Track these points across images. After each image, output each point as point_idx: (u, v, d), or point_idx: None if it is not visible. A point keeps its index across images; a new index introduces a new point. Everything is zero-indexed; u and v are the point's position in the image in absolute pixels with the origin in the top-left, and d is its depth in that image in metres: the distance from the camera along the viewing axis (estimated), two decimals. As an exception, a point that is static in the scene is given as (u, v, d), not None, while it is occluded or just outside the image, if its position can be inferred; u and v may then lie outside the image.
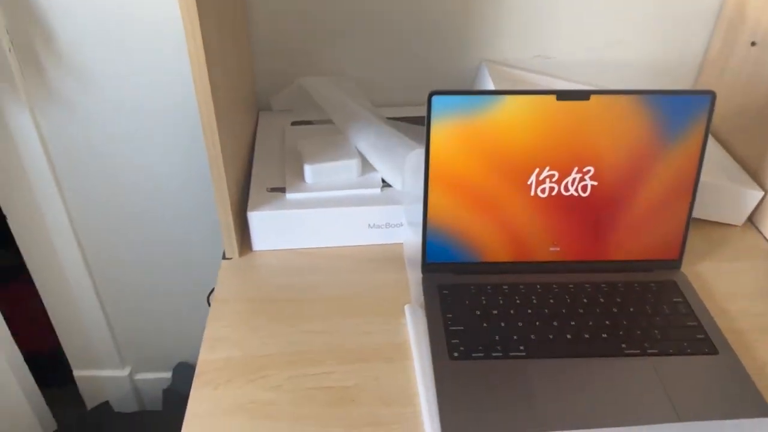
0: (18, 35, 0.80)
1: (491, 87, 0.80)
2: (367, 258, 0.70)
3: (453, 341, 0.58)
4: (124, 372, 1.18)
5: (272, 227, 0.69)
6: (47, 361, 1.14)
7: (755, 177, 0.75)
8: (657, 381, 0.55)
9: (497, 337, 0.59)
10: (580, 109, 0.60)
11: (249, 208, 0.68)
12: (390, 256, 0.70)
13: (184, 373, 1.17)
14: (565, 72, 0.87)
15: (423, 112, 0.86)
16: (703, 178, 0.66)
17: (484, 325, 0.60)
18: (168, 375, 1.19)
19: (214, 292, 0.66)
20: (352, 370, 0.57)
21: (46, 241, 0.99)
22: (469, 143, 0.61)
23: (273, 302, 0.64)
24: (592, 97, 0.60)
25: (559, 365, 0.56)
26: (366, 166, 0.73)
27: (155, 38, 0.82)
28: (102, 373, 1.18)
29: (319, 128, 0.82)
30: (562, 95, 0.60)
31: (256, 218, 0.68)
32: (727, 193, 0.73)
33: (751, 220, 0.76)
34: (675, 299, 0.63)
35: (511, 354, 0.57)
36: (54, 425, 1.09)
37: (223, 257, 0.70)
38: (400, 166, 0.70)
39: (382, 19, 0.83)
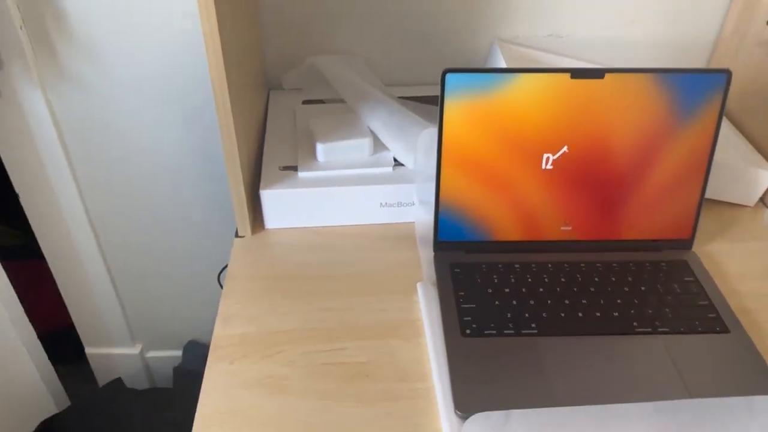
0: (29, 12, 0.80)
1: (503, 65, 0.79)
2: (380, 236, 0.70)
3: (465, 318, 0.59)
4: (135, 350, 1.20)
5: (284, 205, 0.69)
6: (60, 339, 1.15)
7: (765, 153, 0.74)
8: (668, 359, 0.55)
9: (509, 315, 0.59)
10: (594, 87, 0.60)
11: (261, 186, 0.68)
12: (402, 234, 0.70)
13: (195, 352, 1.19)
14: (578, 51, 0.87)
15: (434, 92, 0.86)
16: (715, 158, 0.66)
17: (496, 303, 0.61)
18: (178, 353, 1.21)
19: (227, 270, 0.66)
20: (366, 347, 0.58)
21: (58, 220, 1.00)
22: (482, 121, 0.61)
23: (286, 280, 0.65)
24: (607, 75, 0.60)
25: (570, 343, 0.57)
26: (378, 144, 0.73)
27: (166, 15, 0.82)
28: (114, 351, 1.19)
29: (331, 107, 0.82)
30: (577, 73, 0.60)
31: (268, 196, 0.68)
32: (739, 173, 0.73)
33: (763, 200, 0.76)
34: (686, 278, 0.64)
35: (523, 331, 0.58)
36: (67, 401, 1.11)
37: (236, 235, 0.70)
38: (412, 145, 0.70)
39: (393, -3, 0.83)
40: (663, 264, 0.65)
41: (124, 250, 1.07)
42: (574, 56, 0.86)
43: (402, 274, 0.65)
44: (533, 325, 0.58)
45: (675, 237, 0.67)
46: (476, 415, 0.49)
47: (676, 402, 0.50)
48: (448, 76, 0.59)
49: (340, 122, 0.74)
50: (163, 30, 0.83)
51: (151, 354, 1.22)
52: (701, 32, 0.86)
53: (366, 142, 0.72)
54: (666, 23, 0.85)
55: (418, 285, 0.63)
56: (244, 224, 0.69)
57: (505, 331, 0.58)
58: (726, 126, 0.81)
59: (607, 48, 0.87)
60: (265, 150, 0.75)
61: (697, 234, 0.66)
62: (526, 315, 0.59)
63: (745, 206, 0.75)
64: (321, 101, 0.84)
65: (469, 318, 0.59)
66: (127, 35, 0.83)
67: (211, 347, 0.58)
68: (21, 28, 0.80)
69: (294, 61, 0.86)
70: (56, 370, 1.10)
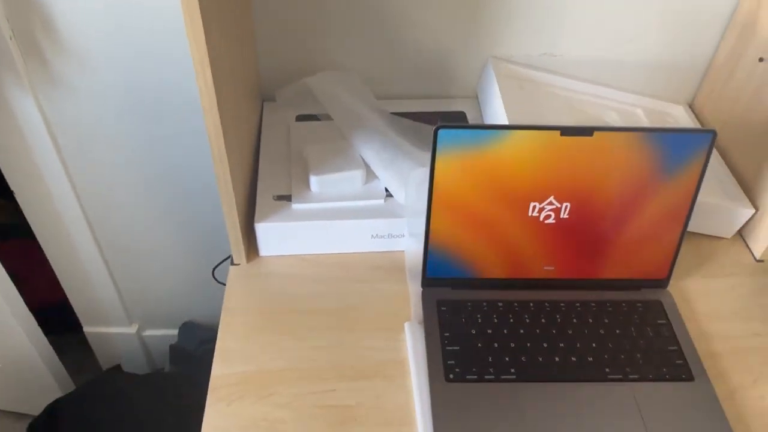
0: (18, 23, 0.79)
1: (495, 85, 0.80)
2: (372, 265, 0.73)
3: (449, 362, 0.62)
4: (132, 329, 1.24)
5: (279, 236, 0.72)
6: (59, 318, 1.19)
7: (748, 192, 0.77)
8: (635, 408, 0.60)
9: (490, 359, 0.63)
10: (583, 144, 0.61)
11: (256, 219, 0.70)
12: (393, 264, 0.73)
13: (190, 331, 1.23)
14: (573, 70, 0.87)
15: (428, 107, 0.87)
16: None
17: (479, 345, 0.64)
18: (175, 332, 1.25)
19: (224, 301, 0.69)
20: (354, 388, 0.62)
21: (52, 212, 1.01)
22: (472, 174, 0.62)
23: (280, 314, 0.68)
24: (596, 133, 0.61)
25: (546, 390, 0.61)
26: (370, 174, 0.75)
27: (156, 21, 0.81)
28: (111, 330, 1.24)
29: (324, 126, 0.82)
30: (566, 131, 0.61)
31: (263, 229, 0.71)
32: (718, 210, 0.75)
33: (741, 233, 0.79)
34: (659, 321, 0.67)
35: (502, 377, 0.62)
36: (70, 382, 1.16)
37: (232, 263, 0.73)
38: (404, 180, 0.71)
39: (389, 11, 0.81)
40: (639, 305, 0.69)
41: (117, 233, 1.07)
42: (570, 75, 0.87)
43: (391, 309, 0.68)
44: (512, 370, 0.62)
45: (652, 277, 0.70)
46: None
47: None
48: (440, 132, 0.60)
49: (333, 151, 0.75)
50: (152, 35, 0.82)
51: (148, 333, 1.27)
52: (695, 56, 0.86)
53: (359, 174, 0.73)
54: (660, 45, 0.85)
55: (406, 325, 0.66)
56: (240, 253, 0.71)
57: (486, 377, 0.62)
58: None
59: (601, 67, 0.87)
60: (260, 175, 0.76)
61: (678, 267, 0.69)
62: (506, 359, 0.63)
63: (723, 238, 0.78)
64: (315, 117, 0.84)
65: (453, 362, 0.62)
66: (116, 41, 0.82)
67: (210, 387, 0.61)
68: (11, 39, 0.79)
69: (289, 71, 0.86)
70: (57, 349, 1.14)
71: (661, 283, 0.70)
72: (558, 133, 0.61)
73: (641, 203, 0.65)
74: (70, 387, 1.19)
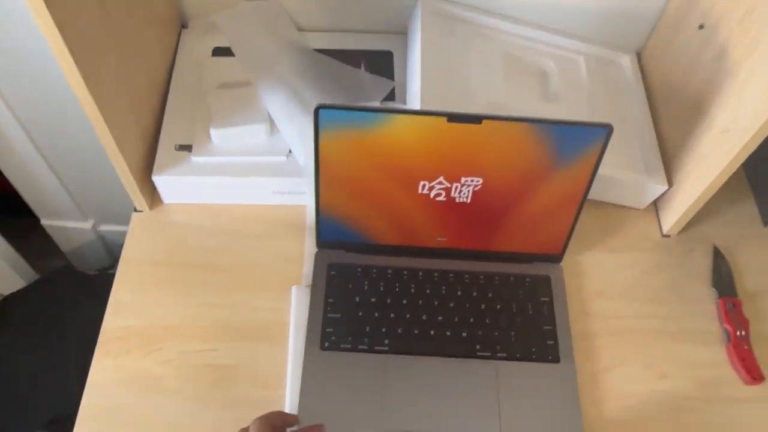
0: None
1: (418, 27, 0.74)
2: (274, 220, 0.73)
3: (327, 330, 0.65)
4: (88, 224, 1.28)
5: (179, 188, 0.72)
6: (15, 211, 1.22)
7: (668, 163, 0.74)
8: (495, 388, 0.63)
9: (368, 329, 0.65)
10: (471, 131, 0.59)
11: (154, 171, 0.70)
12: (297, 218, 0.73)
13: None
14: (515, 12, 0.80)
15: (355, 44, 0.82)
16: (608, 168, 0.69)
17: (360, 314, 0.66)
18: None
19: (123, 250, 0.71)
20: (236, 349, 0.65)
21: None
22: (358, 152, 0.61)
23: (176, 267, 0.70)
24: (485, 121, 0.58)
25: (415, 364, 0.64)
26: (275, 127, 0.73)
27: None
28: (68, 224, 1.27)
29: (237, 66, 0.78)
30: (453, 118, 0.58)
31: (161, 182, 0.70)
32: (630, 184, 0.74)
33: (656, 203, 0.77)
34: (542, 298, 0.68)
35: (375, 348, 0.64)
36: (34, 273, 1.22)
37: (135, 210, 0.74)
38: (304, 137, 0.70)
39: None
40: (527, 279, 0.70)
41: (56, 139, 1.07)
42: (508, 17, 0.80)
43: (286, 269, 0.70)
44: (386, 342, 0.65)
45: (546, 252, 0.70)
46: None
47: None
48: (321, 112, 0.58)
49: (238, 99, 0.73)
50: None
51: (103, 228, 1.30)
52: (644, 9, 0.79)
53: (261, 128, 0.71)
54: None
55: (293, 288, 0.68)
56: (140, 201, 0.72)
57: (360, 347, 0.65)
58: (643, 110, 0.78)
59: (545, 11, 0.80)
60: (165, 118, 0.74)
61: (578, 238, 0.69)
62: (383, 329, 0.66)
63: (636, 209, 0.77)
64: (231, 53, 0.80)
65: (331, 329, 0.65)
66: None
67: (99, 340, 0.65)
68: None
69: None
70: (21, 239, 1.18)
71: (555, 258, 0.71)
72: (445, 119, 0.58)
73: (534, 188, 0.63)
74: (35, 277, 1.25)
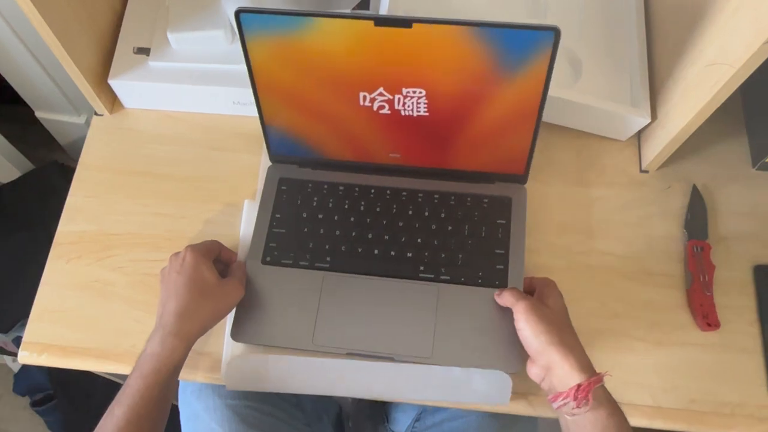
0: None
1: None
2: (233, 132, 0.72)
3: (271, 244, 0.64)
4: (81, 119, 1.27)
5: (138, 93, 0.70)
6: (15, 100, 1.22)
7: (656, 94, 0.69)
8: (433, 310, 0.61)
9: (311, 245, 0.64)
10: (402, 35, 0.54)
11: (110, 75, 0.68)
12: (256, 130, 0.71)
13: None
14: None
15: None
16: (589, 96, 0.65)
17: (305, 230, 0.65)
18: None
19: (82, 154, 0.70)
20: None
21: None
22: (290, 60, 0.57)
23: (132, 175, 0.69)
24: (415, 25, 0.53)
25: (354, 282, 0.63)
26: (236, 34, 0.69)
27: None
28: (62, 118, 1.27)
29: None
30: (381, 21, 0.53)
31: (117, 86, 0.68)
32: (612, 114, 0.69)
33: (639, 136, 0.73)
34: (499, 220, 0.65)
35: (316, 264, 0.63)
36: (30, 166, 1.23)
37: (95, 113, 0.72)
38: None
39: None
40: (485, 200, 0.66)
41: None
42: None
43: (240, 183, 0.69)
44: (328, 259, 0.63)
45: (509, 171, 0.66)
46: (236, 359, 0.60)
47: (415, 366, 0.60)
48: (242, 16, 0.54)
49: (199, 3, 0.68)
50: None
51: (96, 124, 1.30)
52: None
53: (220, 35, 0.68)
54: None
55: (246, 202, 0.67)
56: (98, 105, 0.70)
57: (301, 263, 0.63)
58: (637, 34, 0.72)
59: None
60: (126, 18, 0.71)
61: (550, 168, 0.65)
62: (327, 246, 0.64)
63: (618, 141, 0.73)
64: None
65: (275, 244, 0.64)
66: None
67: (53, 242, 0.66)
68: None
69: None
70: (14, 134, 1.19)
71: (519, 178, 0.67)
72: (372, 23, 0.53)
73: (483, 99, 0.59)
74: (30, 168, 1.27)
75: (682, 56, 0.64)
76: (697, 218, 0.68)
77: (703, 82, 0.59)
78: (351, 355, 0.60)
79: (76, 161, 1.30)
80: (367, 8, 0.72)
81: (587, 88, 0.70)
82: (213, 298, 0.56)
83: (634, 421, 0.60)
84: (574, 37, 0.72)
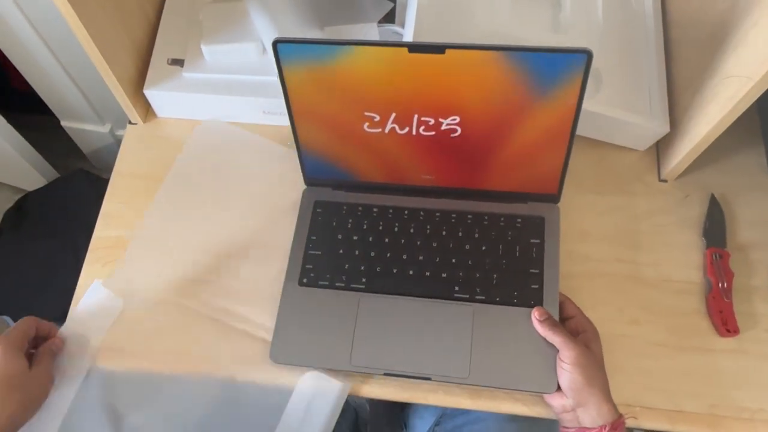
0: None
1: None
2: (267, 139, 0.73)
3: (307, 266, 0.65)
4: (105, 128, 1.30)
5: (171, 103, 0.72)
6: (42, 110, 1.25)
7: (675, 104, 0.71)
8: (469, 331, 0.62)
9: (347, 266, 0.65)
10: (435, 61, 0.56)
11: (146, 85, 0.70)
12: (286, 138, 0.73)
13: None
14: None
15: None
16: (609, 106, 0.67)
17: (341, 251, 0.66)
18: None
19: (116, 162, 0.73)
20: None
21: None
22: (326, 86, 0.59)
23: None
24: (448, 51, 0.55)
25: (390, 303, 0.63)
26: (267, 47, 0.71)
27: None
28: (86, 127, 1.30)
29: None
30: (414, 48, 0.55)
31: (152, 95, 0.71)
32: (631, 124, 0.71)
33: (658, 146, 0.75)
34: (533, 240, 0.66)
35: (352, 286, 0.64)
36: (55, 173, 1.26)
37: (129, 122, 0.75)
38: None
39: None
40: (518, 220, 0.67)
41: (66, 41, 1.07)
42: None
43: (270, 191, 0.71)
44: (363, 280, 0.64)
45: (541, 191, 0.67)
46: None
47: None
48: (280, 46, 0.56)
49: (231, 16, 0.71)
50: None
51: (121, 132, 1.33)
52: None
53: (252, 47, 0.70)
54: None
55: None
56: (133, 114, 0.73)
57: (337, 284, 0.64)
58: (655, 47, 0.74)
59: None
60: (161, 29, 0.73)
61: (570, 178, 0.66)
62: (362, 268, 0.65)
63: (636, 151, 0.75)
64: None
65: (311, 266, 0.65)
66: None
67: (89, 248, 0.68)
68: None
69: None
70: (39, 143, 1.23)
71: (552, 198, 0.68)
72: (406, 50, 0.55)
73: (517, 121, 0.60)
74: (55, 176, 1.30)
75: (700, 68, 0.65)
76: (715, 226, 0.70)
77: (721, 93, 0.61)
78: (389, 375, 0.61)
79: (100, 169, 1.34)
80: (393, 22, 0.74)
81: (607, 99, 0.72)
82: (21, 389, 0.55)
83: (656, 424, 0.62)
84: (594, 49, 0.72)
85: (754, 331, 0.65)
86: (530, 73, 0.56)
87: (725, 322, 0.65)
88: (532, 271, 0.65)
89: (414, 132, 0.62)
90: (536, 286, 0.64)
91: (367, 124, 0.62)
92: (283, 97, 0.68)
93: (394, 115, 0.61)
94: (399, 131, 0.62)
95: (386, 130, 0.62)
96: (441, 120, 0.61)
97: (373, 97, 0.59)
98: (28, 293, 1.03)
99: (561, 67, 0.55)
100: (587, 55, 0.55)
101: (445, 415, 0.77)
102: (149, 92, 0.70)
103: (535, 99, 0.58)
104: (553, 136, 0.62)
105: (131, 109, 0.72)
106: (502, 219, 0.67)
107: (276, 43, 0.55)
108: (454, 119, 0.60)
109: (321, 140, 0.64)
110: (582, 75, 0.56)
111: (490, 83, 0.57)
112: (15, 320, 1.06)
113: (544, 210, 0.68)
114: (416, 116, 0.61)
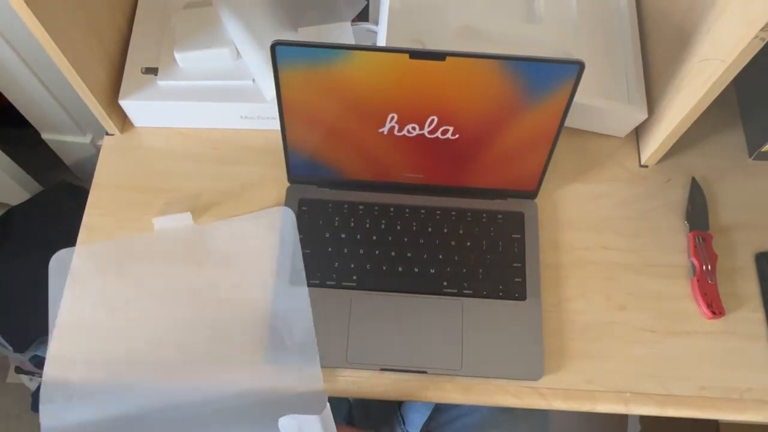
0: None
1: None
2: (241, 145, 0.73)
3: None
4: (86, 139, 1.29)
5: (148, 112, 0.71)
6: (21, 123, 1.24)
7: (651, 91, 0.71)
8: (459, 324, 0.63)
9: (336, 265, 0.66)
10: (435, 68, 0.56)
11: (120, 95, 0.70)
12: (264, 143, 0.73)
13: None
14: None
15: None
16: (588, 95, 0.67)
17: (329, 249, 0.66)
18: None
19: (95, 174, 0.72)
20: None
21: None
22: (321, 89, 0.59)
23: (147, 192, 0.71)
24: (448, 58, 0.56)
25: (382, 300, 0.64)
26: (240, 52, 0.71)
27: None
28: (67, 138, 1.29)
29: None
30: (416, 54, 0.56)
31: (128, 105, 0.70)
32: (610, 112, 0.71)
33: (637, 132, 0.75)
34: (514, 234, 0.67)
35: (343, 284, 0.65)
36: (38, 186, 1.25)
37: (106, 133, 0.74)
38: (267, 66, 0.68)
39: None
40: (500, 216, 0.68)
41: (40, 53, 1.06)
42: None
43: (253, 195, 0.71)
44: (354, 278, 0.65)
45: (521, 188, 0.69)
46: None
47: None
48: (278, 48, 0.55)
49: (203, 21, 0.70)
50: None
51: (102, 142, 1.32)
52: None
53: (225, 52, 0.69)
54: None
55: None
56: (109, 125, 0.72)
57: (328, 282, 0.65)
58: (631, 34, 0.73)
59: None
60: (133, 38, 0.73)
61: (552, 168, 0.67)
62: (352, 265, 0.65)
63: (616, 138, 0.75)
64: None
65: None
66: None
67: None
68: None
69: None
70: (25, 155, 1.21)
71: (529, 194, 0.69)
72: (407, 56, 0.56)
73: (506, 125, 0.61)
74: (38, 189, 1.29)
75: (675, 53, 0.66)
76: (697, 209, 0.70)
77: (697, 77, 0.61)
78: (385, 370, 0.62)
79: (83, 181, 1.33)
80: (367, 19, 0.74)
81: (584, 87, 0.70)
82: None
83: (647, 409, 0.62)
84: (569, 38, 0.73)
85: (739, 311, 0.66)
86: (525, 80, 0.57)
87: (711, 305, 0.66)
88: (514, 265, 0.66)
89: (408, 134, 0.62)
90: (519, 280, 0.66)
91: (358, 125, 0.62)
92: (259, 102, 0.69)
93: (390, 117, 0.61)
94: (394, 133, 0.62)
95: (381, 133, 0.62)
96: (436, 124, 0.61)
97: (369, 101, 0.59)
98: (17, 309, 1.02)
99: (555, 75, 0.57)
100: (580, 65, 0.56)
101: (437, 408, 0.77)
102: (124, 103, 0.70)
103: (527, 104, 0.59)
104: (539, 138, 0.63)
105: (107, 120, 0.71)
106: (484, 215, 0.68)
107: (275, 45, 0.55)
108: (449, 123, 0.61)
109: (310, 140, 0.64)
110: (573, 83, 0.58)
111: (486, 89, 0.58)
112: (3, 335, 1.06)
113: (524, 206, 0.69)
114: (412, 120, 0.61)
